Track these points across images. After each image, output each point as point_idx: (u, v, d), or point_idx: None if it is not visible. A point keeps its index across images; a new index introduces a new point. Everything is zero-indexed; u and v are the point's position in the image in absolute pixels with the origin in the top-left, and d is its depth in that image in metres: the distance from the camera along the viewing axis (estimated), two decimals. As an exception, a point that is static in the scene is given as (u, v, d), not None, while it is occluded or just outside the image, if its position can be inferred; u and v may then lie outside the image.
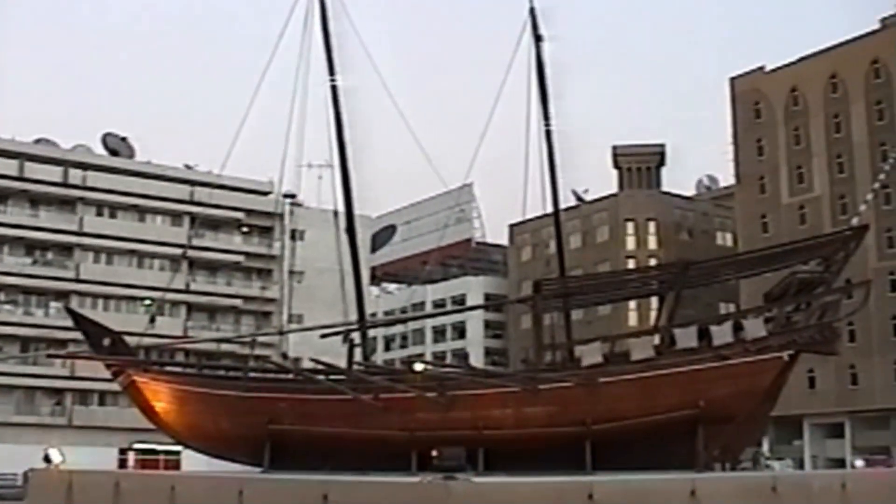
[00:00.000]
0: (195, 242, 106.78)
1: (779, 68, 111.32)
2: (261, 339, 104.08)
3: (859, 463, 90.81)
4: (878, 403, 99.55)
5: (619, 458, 27.65)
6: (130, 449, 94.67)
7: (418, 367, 37.79)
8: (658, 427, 28.60)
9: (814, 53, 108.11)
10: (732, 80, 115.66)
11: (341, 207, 35.96)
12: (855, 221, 33.19)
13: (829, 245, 31.78)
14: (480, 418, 30.08)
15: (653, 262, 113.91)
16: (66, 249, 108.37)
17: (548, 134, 36.19)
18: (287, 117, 36.37)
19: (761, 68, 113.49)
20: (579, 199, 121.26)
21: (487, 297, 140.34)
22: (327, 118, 35.86)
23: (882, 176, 60.20)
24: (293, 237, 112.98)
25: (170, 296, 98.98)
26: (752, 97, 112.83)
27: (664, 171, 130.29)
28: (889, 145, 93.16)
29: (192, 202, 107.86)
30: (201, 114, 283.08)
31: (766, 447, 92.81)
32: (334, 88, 35.47)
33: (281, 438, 32.23)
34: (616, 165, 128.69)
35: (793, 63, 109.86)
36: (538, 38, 36.62)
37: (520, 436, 29.71)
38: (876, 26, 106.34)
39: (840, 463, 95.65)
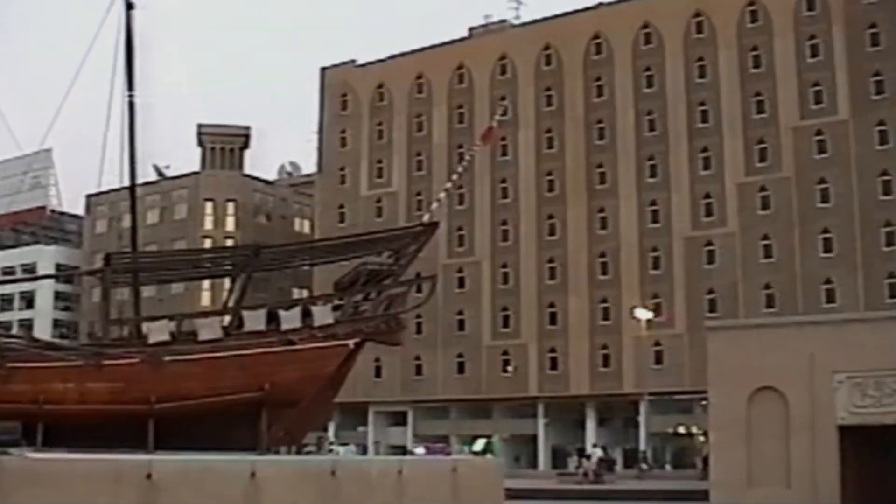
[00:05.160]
0: None
1: (369, 63, 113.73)
2: None
3: (419, 450, 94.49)
4: (440, 394, 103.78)
5: (184, 438, 27.32)
6: None
7: (-22, 335, 36.21)
8: (223, 408, 28.45)
9: (403, 53, 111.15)
10: (323, 69, 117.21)
11: None
12: (427, 218, 34.12)
13: (401, 238, 32.36)
14: (41, 392, 29.05)
15: (229, 243, 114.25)
16: None
17: (130, 105, 35.32)
18: None
19: (353, 61, 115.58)
20: (160, 174, 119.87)
21: (59, 267, 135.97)
22: None
23: (455, 177, 62.46)
24: None
25: None
26: (341, 89, 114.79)
27: (248, 153, 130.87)
28: (465, 148, 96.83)
29: None
30: None
31: (331, 432, 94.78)
32: None
33: None
34: (200, 144, 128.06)
35: (383, 60, 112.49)
36: (129, 6, 35.72)
37: (82, 411, 28.96)
38: (464, 34, 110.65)
39: (402, 450, 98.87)
